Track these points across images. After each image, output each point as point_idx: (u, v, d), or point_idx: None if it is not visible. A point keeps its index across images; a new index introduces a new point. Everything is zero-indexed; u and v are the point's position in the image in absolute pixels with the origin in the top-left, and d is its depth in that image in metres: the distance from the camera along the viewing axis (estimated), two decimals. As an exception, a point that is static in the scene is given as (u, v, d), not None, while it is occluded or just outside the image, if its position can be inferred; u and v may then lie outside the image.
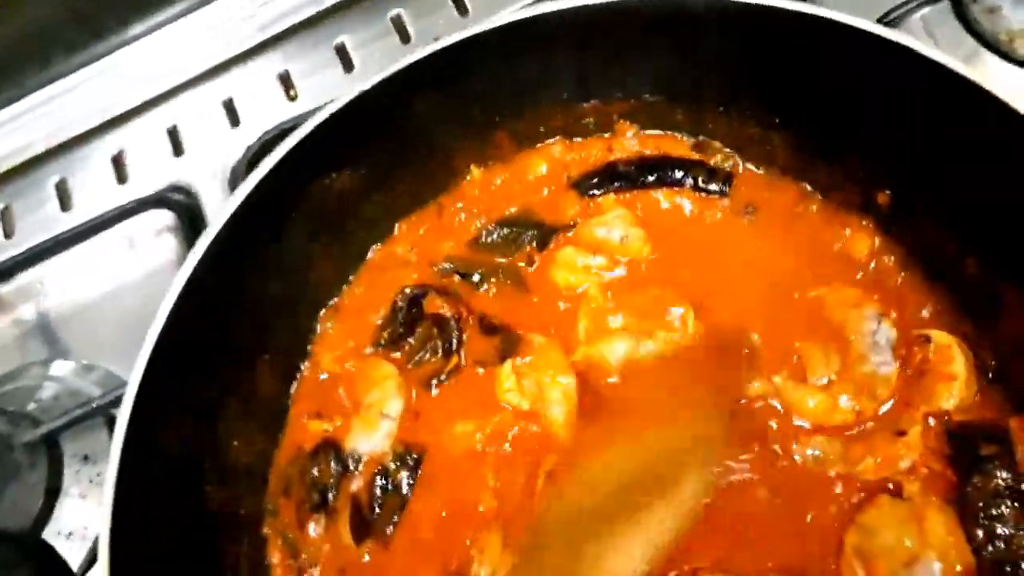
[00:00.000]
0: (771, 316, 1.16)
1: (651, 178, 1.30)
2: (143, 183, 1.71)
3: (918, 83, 1.01)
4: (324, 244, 1.27)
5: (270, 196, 1.13)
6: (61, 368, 1.56)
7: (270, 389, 1.26)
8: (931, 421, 1.06)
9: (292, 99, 1.74)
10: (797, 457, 1.07)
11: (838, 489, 1.04)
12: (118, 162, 1.75)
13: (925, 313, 1.13)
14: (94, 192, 1.73)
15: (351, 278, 1.34)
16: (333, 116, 1.12)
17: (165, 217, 1.66)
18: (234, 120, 1.74)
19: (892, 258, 1.16)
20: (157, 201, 1.66)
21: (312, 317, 1.31)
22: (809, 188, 1.24)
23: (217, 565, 1.14)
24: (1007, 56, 1.43)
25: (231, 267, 1.12)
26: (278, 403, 1.27)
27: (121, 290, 1.63)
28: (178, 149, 1.73)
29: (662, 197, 1.30)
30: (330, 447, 1.21)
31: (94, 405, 1.41)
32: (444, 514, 1.14)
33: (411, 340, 1.26)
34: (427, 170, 1.33)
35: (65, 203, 1.73)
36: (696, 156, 1.31)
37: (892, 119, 1.09)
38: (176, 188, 1.68)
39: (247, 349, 1.22)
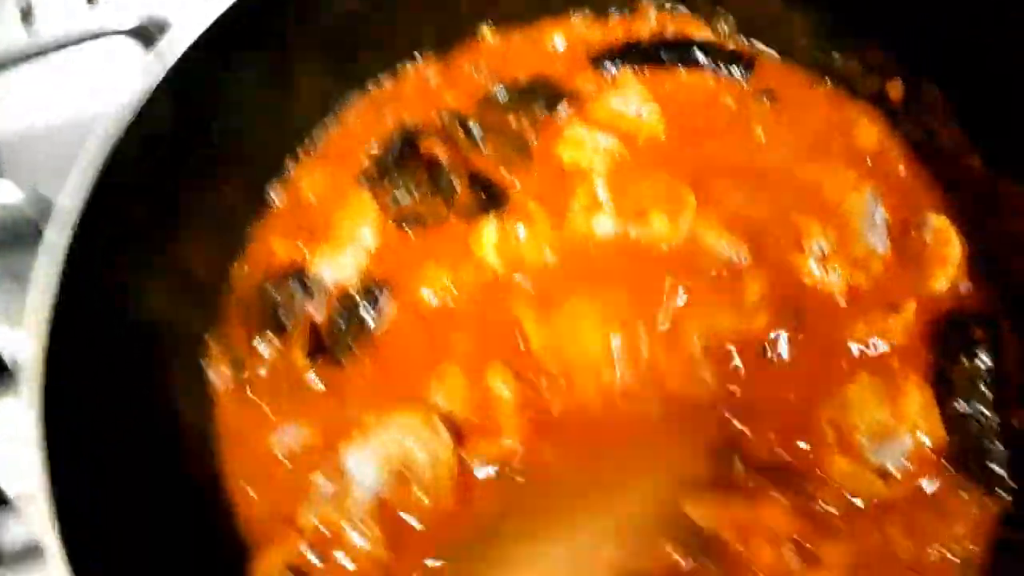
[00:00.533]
0: (773, 192, 1.14)
1: (670, 56, 1.27)
2: (115, 10, 1.58)
3: None
4: (325, 64, 1.21)
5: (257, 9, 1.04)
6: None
7: (240, 206, 1.19)
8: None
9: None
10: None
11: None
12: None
13: (924, 205, 1.13)
14: (61, 11, 1.59)
15: (347, 108, 1.27)
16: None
17: (135, 51, 1.56)
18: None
19: (897, 151, 1.16)
20: (128, 31, 1.55)
21: (298, 138, 1.25)
22: (824, 77, 1.23)
23: (155, 379, 1.07)
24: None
25: (214, 68, 1.05)
26: (245, 220, 1.20)
27: (79, 121, 1.50)
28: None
29: (681, 77, 1.26)
30: (294, 270, 1.15)
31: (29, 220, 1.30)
32: (404, 351, 1.09)
33: (399, 177, 1.19)
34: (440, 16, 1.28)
35: (28, 16, 1.60)
36: (717, 39, 1.29)
37: (915, 5, 1.08)
38: (152, 21, 1.57)
39: (222, 160, 1.14)
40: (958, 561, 0.94)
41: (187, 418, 1.09)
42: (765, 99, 1.22)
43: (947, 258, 1.06)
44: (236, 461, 1.10)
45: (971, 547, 0.94)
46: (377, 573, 1.00)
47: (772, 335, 1.05)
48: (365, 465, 1.02)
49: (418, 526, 1.01)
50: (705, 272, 1.10)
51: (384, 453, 1.02)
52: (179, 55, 1.00)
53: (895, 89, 1.17)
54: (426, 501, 1.01)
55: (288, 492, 1.05)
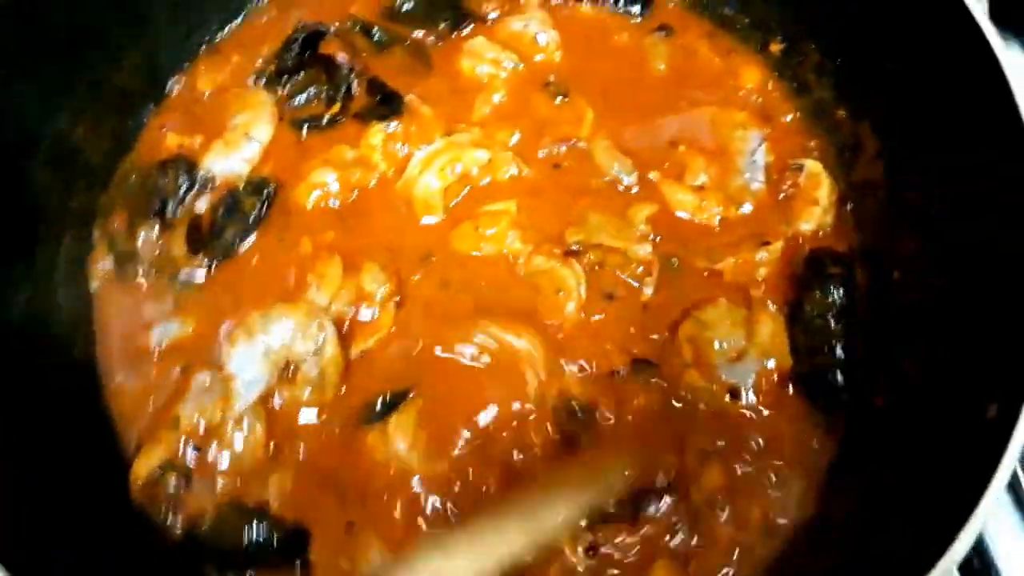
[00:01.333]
0: (663, 124, 1.18)
1: (576, -12, 1.30)
2: None
3: None
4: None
5: None
6: None
7: (137, 93, 1.17)
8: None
9: None
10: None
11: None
12: None
13: (803, 152, 1.18)
14: None
15: (253, 8, 1.26)
16: None
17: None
18: None
19: (782, 99, 1.22)
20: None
21: (201, 32, 1.23)
22: (716, 23, 1.28)
23: (35, 259, 1.05)
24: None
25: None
26: (142, 109, 1.18)
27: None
28: None
29: (583, 9, 1.30)
30: (182, 160, 1.13)
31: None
32: (287, 248, 1.09)
33: (297, 78, 1.19)
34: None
35: None
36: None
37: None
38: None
39: (123, 43, 1.12)
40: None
41: (66, 311, 1.07)
42: (662, 33, 1.26)
43: (817, 200, 1.11)
44: (115, 357, 1.07)
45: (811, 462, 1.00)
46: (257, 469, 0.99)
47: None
48: (249, 362, 1.01)
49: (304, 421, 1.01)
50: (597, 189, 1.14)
51: (269, 348, 1.01)
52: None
53: (775, 44, 1.24)
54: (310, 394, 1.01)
55: (167, 389, 1.03)
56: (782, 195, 1.14)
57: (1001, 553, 1.03)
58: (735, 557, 0.95)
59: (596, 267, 1.09)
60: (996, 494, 0.73)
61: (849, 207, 1.14)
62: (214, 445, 0.99)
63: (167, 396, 1.03)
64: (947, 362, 0.91)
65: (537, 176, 1.15)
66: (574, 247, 1.09)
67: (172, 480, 0.97)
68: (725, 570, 0.95)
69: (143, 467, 0.98)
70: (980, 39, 0.89)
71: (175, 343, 1.06)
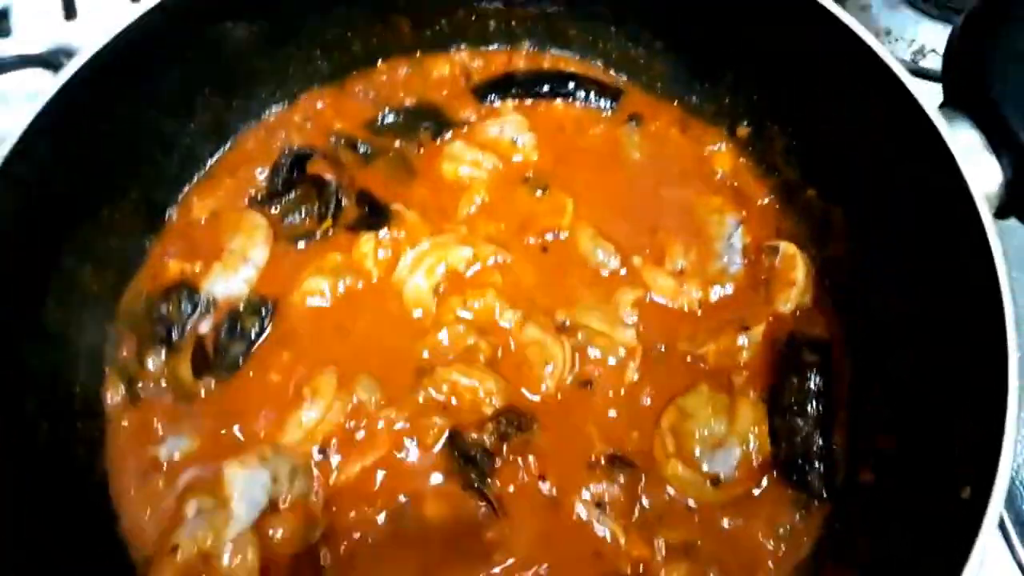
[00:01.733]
0: (641, 211, 1.24)
1: (546, 88, 1.36)
2: (28, 40, 1.59)
3: (793, 25, 1.10)
4: (216, 95, 1.26)
5: (155, 31, 1.09)
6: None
7: (134, 228, 1.22)
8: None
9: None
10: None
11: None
12: (2, 15, 1.64)
13: (778, 233, 1.22)
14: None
15: (242, 134, 1.32)
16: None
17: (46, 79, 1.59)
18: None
19: (754, 181, 1.26)
20: (41, 61, 1.59)
21: (193, 165, 1.29)
22: (684, 111, 1.33)
23: (51, 394, 1.09)
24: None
25: (105, 93, 1.08)
26: (140, 242, 1.23)
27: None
28: (70, 12, 1.65)
29: (556, 107, 1.35)
30: (184, 287, 1.19)
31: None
32: (289, 363, 1.14)
33: (289, 199, 1.25)
34: (329, 45, 1.33)
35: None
36: (589, 73, 1.38)
37: (764, 61, 1.20)
38: (63, 51, 1.60)
39: (114, 185, 1.18)
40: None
41: (82, 439, 1.11)
42: (633, 124, 1.32)
43: (794, 281, 1.15)
44: (124, 478, 1.10)
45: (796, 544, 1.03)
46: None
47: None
48: (252, 485, 1.04)
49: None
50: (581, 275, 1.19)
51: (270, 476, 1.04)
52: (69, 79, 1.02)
53: (742, 128, 1.28)
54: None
55: (169, 511, 1.06)
56: (763, 276, 1.18)
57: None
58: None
59: (582, 348, 1.13)
60: (979, 559, 0.77)
61: (828, 287, 1.16)
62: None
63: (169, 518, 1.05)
64: (923, 445, 0.94)
65: (523, 262, 1.20)
66: (564, 324, 1.13)
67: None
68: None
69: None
70: (927, 122, 0.95)
71: (184, 458, 1.10)
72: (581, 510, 1.05)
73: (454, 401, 1.10)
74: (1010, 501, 1.08)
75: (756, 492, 1.05)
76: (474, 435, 1.06)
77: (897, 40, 1.58)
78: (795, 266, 1.16)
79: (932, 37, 1.57)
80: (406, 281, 1.18)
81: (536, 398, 1.11)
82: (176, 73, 1.19)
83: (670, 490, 1.05)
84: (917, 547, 0.87)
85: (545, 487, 1.06)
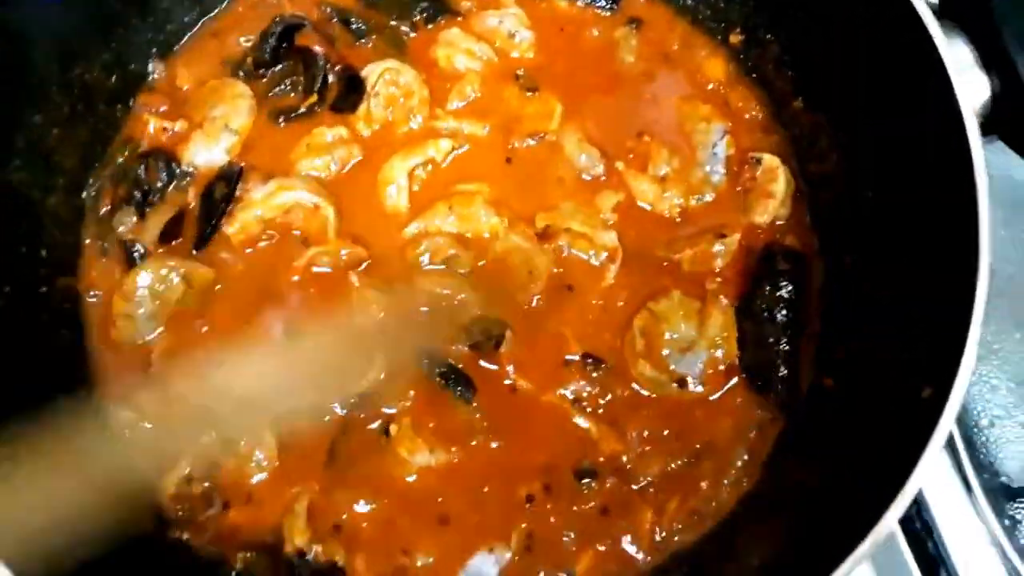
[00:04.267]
0: (630, 116, 1.23)
1: (549, -17, 1.33)
2: None
3: None
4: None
5: None
6: None
7: (109, 91, 1.18)
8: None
9: None
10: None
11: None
12: None
13: (763, 146, 1.22)
14: None
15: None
16: None
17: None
18: None
19: (744, 91, 1.25)
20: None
21: (174, 30, 1.25)
22: (681, 16, 1.31)
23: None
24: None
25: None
26: (118, 104, 1.20)
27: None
28: None
29: (557, 4, 1.31)
30: (161, 153, 1.17)
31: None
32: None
33: (275, 70, 1.22)
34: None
35: None
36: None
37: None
38: None
39: (84, 46, 1.14)
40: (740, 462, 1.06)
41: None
42: (632, 27, 1.29)
43: (773, 193, 1.15)
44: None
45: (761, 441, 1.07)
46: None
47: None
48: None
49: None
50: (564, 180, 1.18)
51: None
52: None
53: (735, 36, 1.27)
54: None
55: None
56: (740, 188, 1.18)
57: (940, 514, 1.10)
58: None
59: (562, 251, 1.13)
60: (931, 461, 0.80)
61: (806, 200, 1.17)
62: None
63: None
64: (889, 350, 0.97)
65: (506, 166, 1.19)
66: (546, 229, 1.13)
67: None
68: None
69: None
70: (924, 33, 0.93)
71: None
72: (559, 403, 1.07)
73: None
74: (960, 415, 1.13)
75: (719, 394, 1.08)
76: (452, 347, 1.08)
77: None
78: (775, 179, 1.16)
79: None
80: (386, 180, 1.17)
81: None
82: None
83: (640, 389, 1.08)
84: (876, 444, 0.90)
85: (524, 385, 1.08)
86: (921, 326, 0.91)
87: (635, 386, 1.08)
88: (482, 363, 1.08)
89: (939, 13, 1.01)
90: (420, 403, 1.06)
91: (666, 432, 1.06)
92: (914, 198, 0.99)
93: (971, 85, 0.95)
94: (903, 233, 1.01)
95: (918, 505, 1.11)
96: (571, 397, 1.07)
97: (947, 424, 0.81)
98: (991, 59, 0.95)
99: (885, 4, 0.98)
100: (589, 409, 1.07)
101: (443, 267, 1.13)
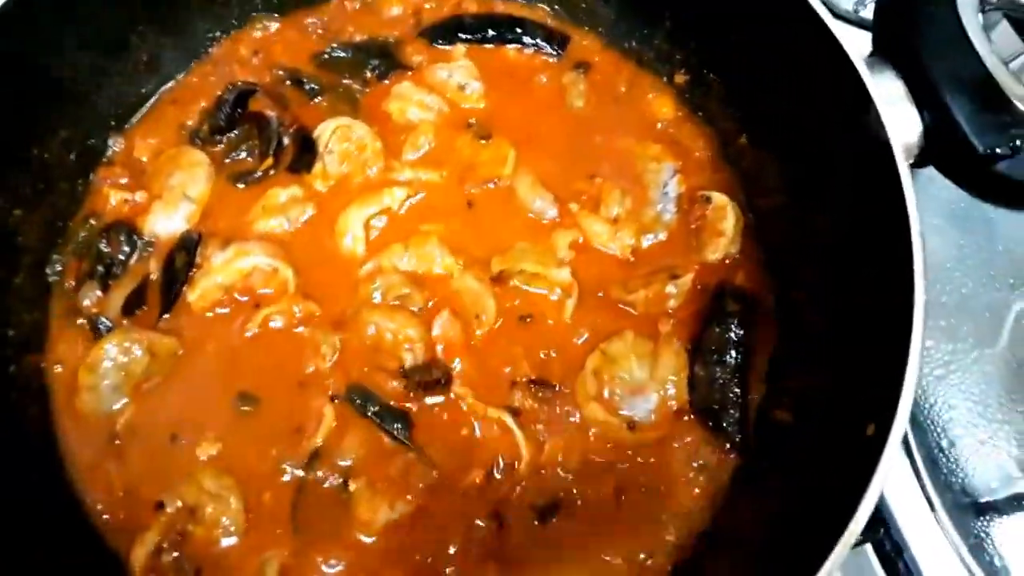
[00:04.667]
0: (581, 159, 1.25)
1: (493, 33, 1.36)
2: None
3: None
4: (151, 32, 1.24)
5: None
6: None
7: (70, 166, 1.20)
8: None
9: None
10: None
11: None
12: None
13: (712, 183, 1.24)
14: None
15: (185, 69, 1.31)
16: None
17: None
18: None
19: (692, 129, 1.28)
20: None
21: (131, 102, 1.27)
22: (627, 58, 1.34)
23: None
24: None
25: (34, 25, 1.08)
26: (80, 178, 1.22)
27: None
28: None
29: (505, 54, 1.35)
30: (123, 225, 1.19)
31: None
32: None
33: (230, 136, 1.25)
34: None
35: None
36: (538, 18, 1.38)
37: (700, 7, 1.22)
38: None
39: (44, 125, 1.16)
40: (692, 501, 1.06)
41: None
42: (579, 71, 1.32)
43: (723, 231, 1.17)
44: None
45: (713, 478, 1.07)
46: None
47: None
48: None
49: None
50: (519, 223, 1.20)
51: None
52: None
53: (680, 76, 1.29)
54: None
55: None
56: (694, 225, 1.19)
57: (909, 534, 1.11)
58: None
59: (518, 294, 1.15)
60: (874, 497, 0.82)
61: (756, 236, 1.19)
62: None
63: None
64: (835, 389, 0.98)
65: (462, 211, 1.21)
66: (500, 273, 1.15)
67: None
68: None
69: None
70: (853, 71, 0.96)
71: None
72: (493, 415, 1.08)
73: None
74: (922, 436, 1.14)
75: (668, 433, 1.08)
76: (391, 384, 1.09)
77: (840, -10, 1.60)
78: (725, 216, 1.18)
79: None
80: (342, 231, 1.19)
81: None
82: (107, 11, 1.17)
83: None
84: (825, 478, 0.92)
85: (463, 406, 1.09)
86: (862, 363, 0.92)
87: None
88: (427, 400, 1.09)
89: (872, 51, 1.04)
90: (371, 451, 1.07)
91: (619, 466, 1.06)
92: (852, 231, 1.01)
93: (903, 119, 0.97)
94: (845, 266, 1.02)
95: (887, 525, 1.12)
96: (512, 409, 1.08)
97: (888, 461, 0.82)
98: (922, 95, 0.97)
99: (816, 45, 1.00)
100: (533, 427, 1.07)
101: (396, 303, 1.14)
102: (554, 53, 1.34)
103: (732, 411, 1.07)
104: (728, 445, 1.07)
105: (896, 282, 0.89)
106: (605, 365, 1.10)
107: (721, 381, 1.08)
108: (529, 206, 1.21)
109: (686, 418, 1.09)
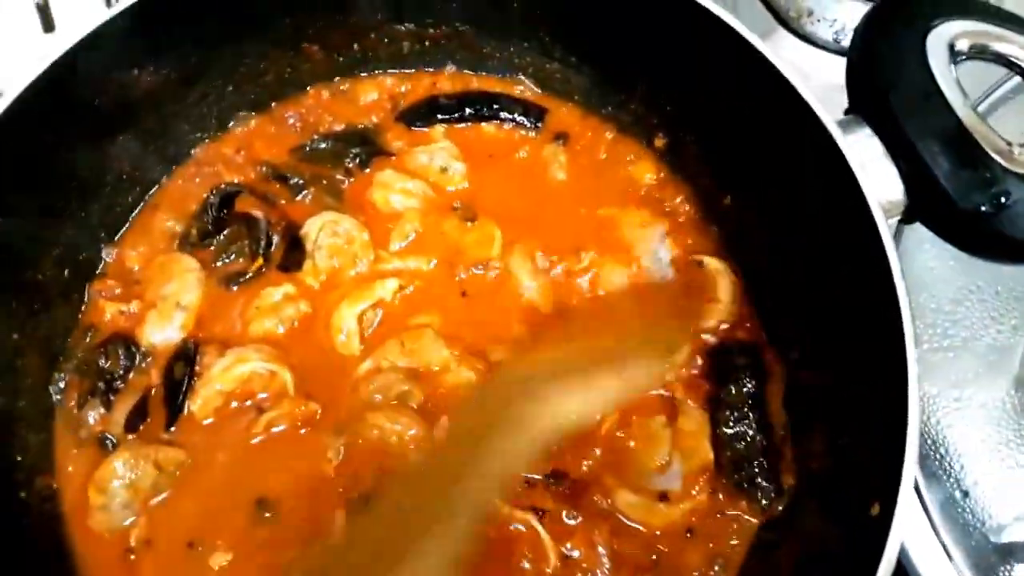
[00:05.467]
0: (571, 234, 1.25)
1: (471, 111, 1.37)
2: None
3: (698, 38, 1.10)
4: (132, 141, 1.24)
5: (59, 85, 1.08)
6: None
7: (64, 285, 1.21)
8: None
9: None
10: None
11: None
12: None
13: (702, 246, 1.25)
14: None
15: (167, 175, 1.32)
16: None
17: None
18: (48, 25, 1.59)
19: (675, 191, 1.28)
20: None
21: (121, 210, 1.28)
22: (605, 125, 1.35)
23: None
24: (795, 31, 1.59)
25: (13, 148, 1.07)
26: (74, 294, 1.23)
27: None
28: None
29: (484, 131, 1.36)
30: (120, 339, 1.19)
31: None
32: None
33: (219, 239, 1.26)
34: (244, 78, 1.33)
35: None
36: (514, 92, 1.39)
37: (672, 71, 1.22)
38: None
39: (34, 244, 1.17)
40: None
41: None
42: (559, 143, 1.33)
43: (719, 298, 1.17)
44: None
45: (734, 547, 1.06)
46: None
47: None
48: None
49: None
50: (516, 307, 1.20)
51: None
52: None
53: (659, 140, 1.30)
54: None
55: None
56: (689, 288, 1.19)
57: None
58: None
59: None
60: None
61: (750, 295, 1.19)
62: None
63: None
64: (838, 464, 0.98)
65: (459, 298, 1.22)
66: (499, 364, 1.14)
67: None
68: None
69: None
70: (825, 132, 0.97)
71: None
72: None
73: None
74: (936, 487, 1.12)
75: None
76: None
77: (819, 21, 1.59)
78: (718, 284, 1.18)
79: (854, 16, 1.57)
80: (337, 328, 1.19)
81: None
82: (87, 124, 1.17)
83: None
84: (834, 554, 0.91)
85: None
86: (861, 432, 0.92)
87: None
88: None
89: (848, 109, 1.04)
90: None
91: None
92: (841, 290, 1.01)
93: (881, 178, 0.96)
94: (836, 325, 1.02)
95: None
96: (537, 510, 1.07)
97: (895, 544, 0.81)
98: (899, 153, 0.95)
99: (783, 106, 1.00)
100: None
101: (395, 403, 1.14)
102: (532, 126, 1.35)
103: (760, 462, 1.07)
104: (762, 499, 1.06)
105: (888, 341, 0.88)
106: (622, 454, 1.09)
107: (744, 437, 1.08)
108: (523, 290, 1.21)
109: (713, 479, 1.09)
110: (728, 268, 1.19)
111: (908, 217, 0.99)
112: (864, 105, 1.01)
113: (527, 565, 1.04)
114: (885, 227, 0.91)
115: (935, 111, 0.94)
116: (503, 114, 1.36)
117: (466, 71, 1.41)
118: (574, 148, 1.33)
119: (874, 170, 0.95)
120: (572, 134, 1.34)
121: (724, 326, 1.17)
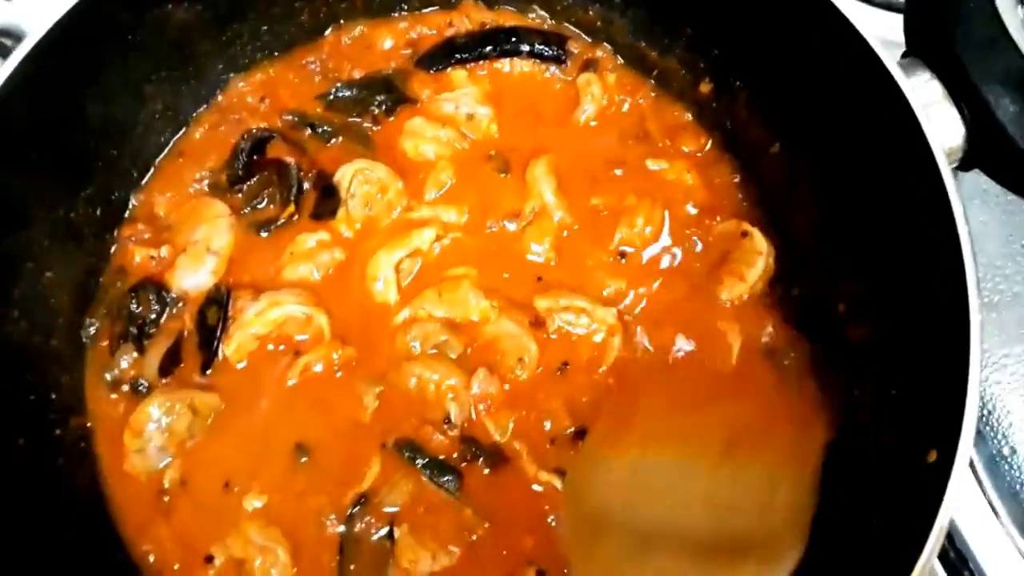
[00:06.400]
0: (605, 181, 1.23)
1: (488, 48, 1.31)
2: None
3: None
4: (165, 80, 1.22)
5: (95, 19, 1.06)
6: None
7: (95, 226, 1.19)
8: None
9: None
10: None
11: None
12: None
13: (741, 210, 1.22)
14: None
15: (196, 119, 1.29)
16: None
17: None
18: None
19: (712, 144, 1.26)
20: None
21: (150, 155, 1.26)
22: (645, 72, 1.31)
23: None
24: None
25: (50, 85, 1.05)
26: (105, 236, 1.21)
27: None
28: (10, -8, 1.59)
29: (508, 70, 1.32)
30: (150, 284, 1.18)
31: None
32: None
33: (250, 184, 1.23)
34: (274, 17, 1.29)
35: None
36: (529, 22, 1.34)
37: (715, 9, 1.18)
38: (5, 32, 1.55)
39: (67, 185, 1.15)
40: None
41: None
42: (591, 72, 1.28)
43: (744, 278, 1.15)
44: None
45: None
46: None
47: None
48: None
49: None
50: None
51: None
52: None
53: (705, 85, 1.25)
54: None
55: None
56: (715, 256, 1.18)
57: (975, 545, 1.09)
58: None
59: (559, 332, 1.13)
60: (945, 520, 0.79)
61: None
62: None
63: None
64: (891, 416, 0.95)
65: (494, 251, 1.19)
66: (542, 314, 1.13)
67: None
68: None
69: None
70: (886, 73, 0.93)
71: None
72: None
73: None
74: (983, 444, 1.10)
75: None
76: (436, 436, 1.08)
77: (870, -26, 1.54)
78: (754, 264, 1.14)
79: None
80: (373, 276, 1.17)
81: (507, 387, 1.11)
82: (121, 61, 1.15)
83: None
84: (888, 511, 0.89)
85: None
86: (919, 384, 0.90)
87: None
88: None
89: (906, 51, 1.00)
90: (418, 501, 1.06)
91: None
92: (897, 240, 0.98)
93: (943, 122, 0.93)
94: (893, 274, 0.99)
95: (952, 536, 1.10)
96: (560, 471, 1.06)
97: (955, 486, 0.79)
98: (962, 96, 0.93)
99: (845, 48, 0.97)
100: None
101: (434, 352, 1.13)
102: (554, 55, 1.30)
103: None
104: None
105: (948, 292, 0.85)
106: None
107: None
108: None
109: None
110: (769, 251, 1.16)
111: (967, 163, 0.96)
112: (924, 48, 0.98)
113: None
114: (948, 172, 0.88)
115: (1001, 54, 0.91)
116: (523, 46, 1.29)
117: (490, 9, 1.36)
118: (606, 80, 1.28)
119: (935, 114, 0.92)
120: (601, 64, 1.29)
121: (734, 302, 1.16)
